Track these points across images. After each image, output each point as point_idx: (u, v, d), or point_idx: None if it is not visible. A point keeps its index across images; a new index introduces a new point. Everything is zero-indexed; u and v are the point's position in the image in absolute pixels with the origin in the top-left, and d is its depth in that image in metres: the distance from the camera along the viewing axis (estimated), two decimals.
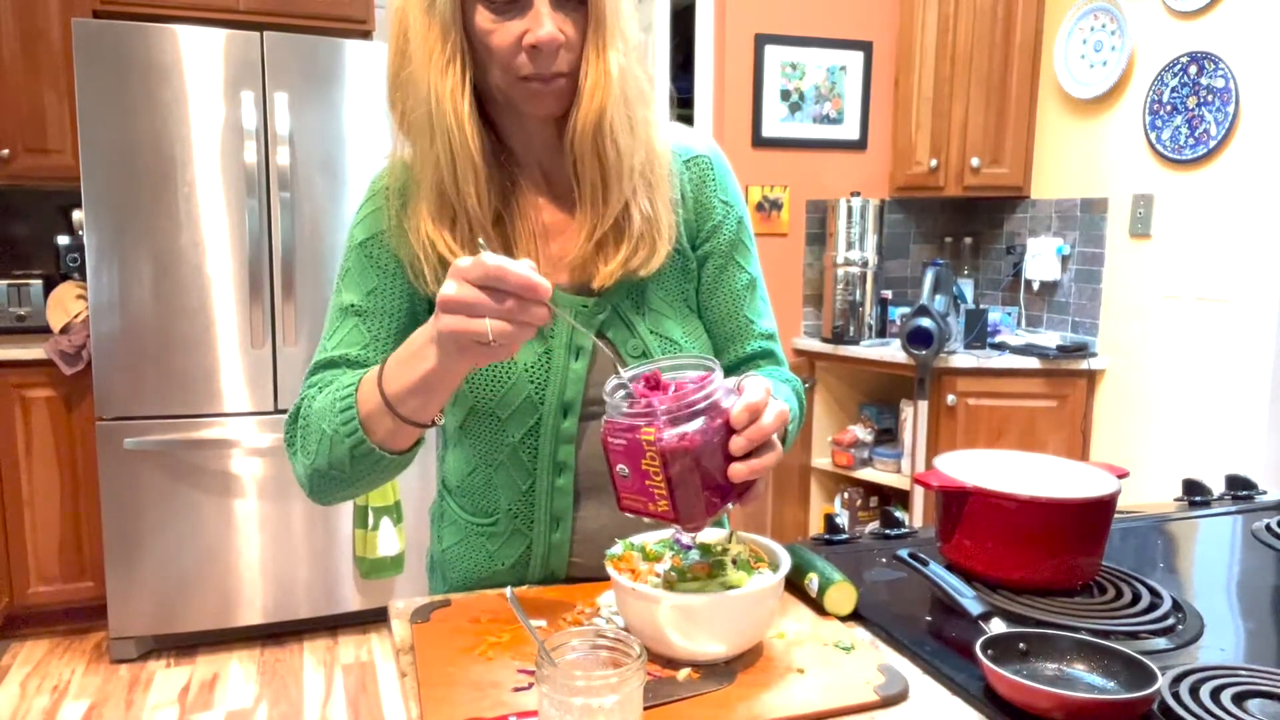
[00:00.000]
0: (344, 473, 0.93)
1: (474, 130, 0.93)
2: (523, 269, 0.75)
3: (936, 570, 0.99)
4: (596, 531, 1.05)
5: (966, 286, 3.59)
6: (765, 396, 0.81)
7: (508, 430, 1.02)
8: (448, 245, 0.97)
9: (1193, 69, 2.79)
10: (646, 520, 0.82)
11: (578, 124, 0.94)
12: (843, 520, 2.10)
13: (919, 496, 3.12)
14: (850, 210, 3.33)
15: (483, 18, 0.90)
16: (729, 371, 1.12)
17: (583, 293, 1.02)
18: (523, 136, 1.02)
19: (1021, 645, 0.83)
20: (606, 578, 0.89)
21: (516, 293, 0.76)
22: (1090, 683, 0.80)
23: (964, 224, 3.73)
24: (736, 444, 0.79)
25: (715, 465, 0.79)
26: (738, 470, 0.80)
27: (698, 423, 0.77)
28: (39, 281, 3.17)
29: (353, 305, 1.01)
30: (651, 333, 1.03)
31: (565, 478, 1.03)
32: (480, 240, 0.86)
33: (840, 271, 3.36)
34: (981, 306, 3.33)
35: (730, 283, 1.10)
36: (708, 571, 0.87)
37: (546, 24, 0.88)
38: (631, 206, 0.99)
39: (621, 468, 0.80)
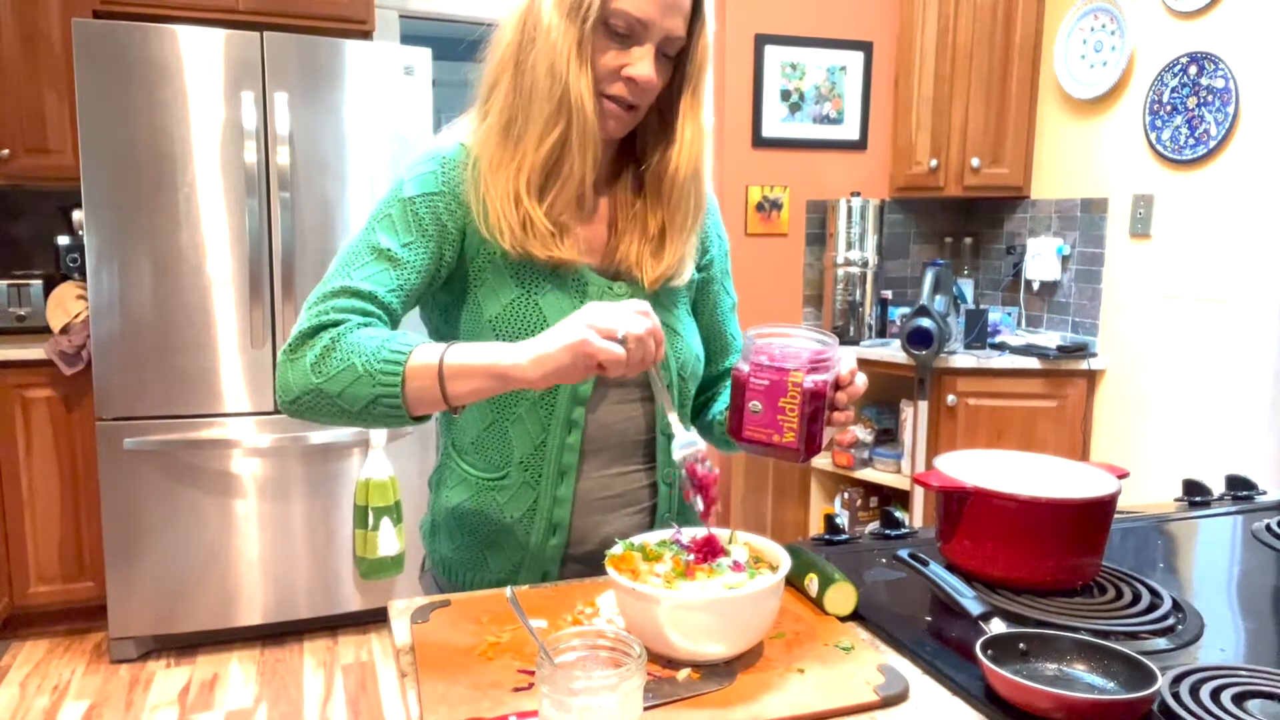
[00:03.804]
0: (346, 408, 0.98)
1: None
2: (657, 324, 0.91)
3: (936, 570, 0.99)
4: (595, 489, 1.14)
5: (966, 286, 3.59)
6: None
7: None
8: (537, 210, 1.07)
9: (1193, 69, 2.79)
10: (758, 451, 0.99)
11: (681, 165, 1.12)
12: (843, 520, 2.10)
13: (919, 496, 3.12)
14: (850, 210, 3.33)
15: (603, 40, 1.05)
16: (712, 382, 1.29)
17: (606, 275, 1.15)
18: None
19: (1021, 645, 0.83)
20: (603, 541, 0.90)
21: (649, 339, 0.90)
22: (1090, 683, 0.80)
23: (964, 224, 3.73)
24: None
25: (823, 413, 0.99)
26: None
27: (828, 375, 0.98)
28: (39, 281, 3.16)
29: (388, 250, 1.06)
30: (663, 323, 1.12)
31: (575, 435, 1.12)
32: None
33: (840, 271, 3.36)
34: (981, 306, 3.33)
35: (720, 304, 1.28)
36: (708, 571, 0.87)
37: (648, 66, 1.05)
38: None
39: (755, 404, 0.98)
